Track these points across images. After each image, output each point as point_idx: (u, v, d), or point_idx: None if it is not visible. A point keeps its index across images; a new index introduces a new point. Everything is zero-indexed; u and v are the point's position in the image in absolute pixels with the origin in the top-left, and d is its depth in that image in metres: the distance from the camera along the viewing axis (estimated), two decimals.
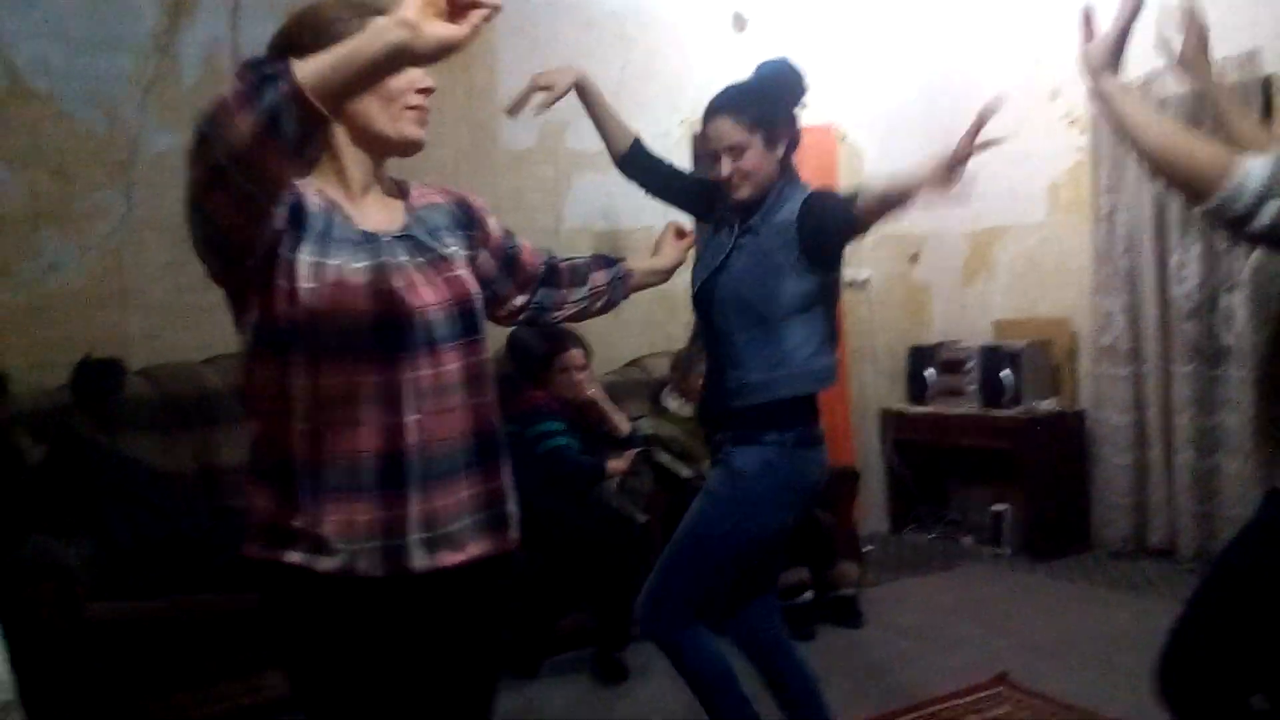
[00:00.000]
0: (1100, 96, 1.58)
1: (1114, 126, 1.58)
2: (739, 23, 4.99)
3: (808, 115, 5.28)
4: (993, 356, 4.87)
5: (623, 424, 3.78)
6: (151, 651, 2.71)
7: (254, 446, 1.37)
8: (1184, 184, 1.47)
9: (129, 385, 3.25)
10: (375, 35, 1.06)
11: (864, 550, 4.59)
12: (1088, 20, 1.62)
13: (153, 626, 2.74)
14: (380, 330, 1.31)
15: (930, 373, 5.16)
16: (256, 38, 3.62)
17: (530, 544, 3.25)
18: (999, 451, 4.87)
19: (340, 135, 1.40)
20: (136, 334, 3.50)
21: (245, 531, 1.35)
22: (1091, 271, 4.74)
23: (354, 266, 1.32)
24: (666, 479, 3.80)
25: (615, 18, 4.52)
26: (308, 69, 1.07)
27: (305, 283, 1.28)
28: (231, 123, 1.07)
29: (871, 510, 5.32)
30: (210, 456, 3.27)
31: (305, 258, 1.29)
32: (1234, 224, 1.41)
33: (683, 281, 4.71)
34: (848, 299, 5.25)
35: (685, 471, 3.84)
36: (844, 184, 5.21)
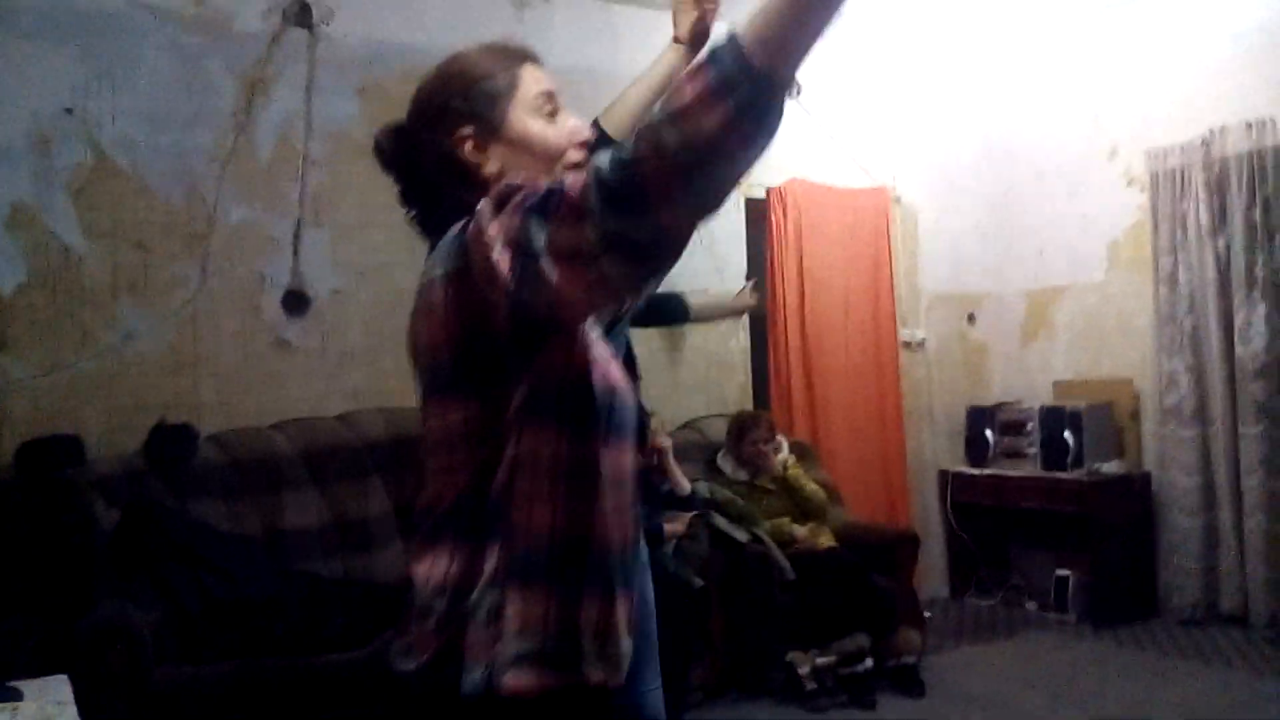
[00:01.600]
0: None
1: None
2: (795, 88, 5.06)
3: (863, 177, 5.35)
4: (1054, 417, 4.80)
5: (684, 483, 3.79)
6: (218, 715, 2.75)
7: (522, 538, 1.09)
8: None
9: (201, 450, 3.34)
10: None
11: (924, 616, 4.52)
12: None
13: (220, 690, 2.78)
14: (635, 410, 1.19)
15: (990, 434, 5.09)
16: (330, 113, 3.81)
17: None
18: (1062, 514, 4.77)
19: None
20: (209, 400, 3.60)
21: (472, 654, 1.07)
22: (1154, 331, 4.67)
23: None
24: (723, 543, 3.79)
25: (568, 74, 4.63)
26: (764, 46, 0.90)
27: (597, 351, 1.14)
28: (700, 122, 0.89)
29: (932, 575, 5.23)
30: (276, 520, 3.33)
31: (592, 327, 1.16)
32: None
33: (738, 343, 4.81)
34: (904, 360, 5.25)
35: (741, 535, 3.83)
36: (899, 244, 5.24)
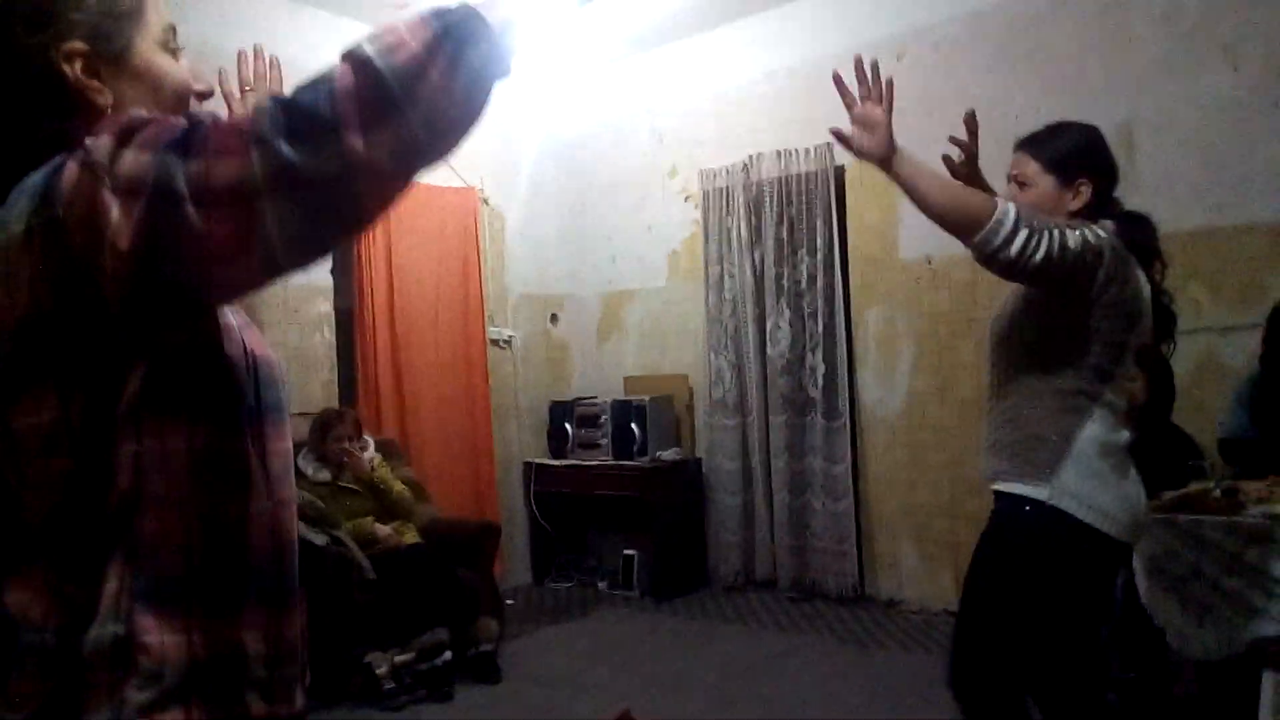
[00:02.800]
0: (894, 178, 1.92)
1: (905, 193, 1.92)
2: None
3: (452, 177, 5.40)
4: (623, 410, 5.23)
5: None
6: None
7: (154, 554, 0.91)
8: (961, 227, 1.84)
9: None
10: None
11: (507, 604, 4.69)
12: (842, 83, 1.96)
13: None
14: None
15: (569, 426, 5.42)
16: None
17: None
18: (629, 499, 5.21)
19: None
20: None
21: None
22: (705, 332, 5.27)
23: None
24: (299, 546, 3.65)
25: None
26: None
27: (228, 318, 0.97)
28: (408, 43, 0.79)
29: (516, 563, 5.45)
30: None
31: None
32: (993, 254, 1.80)
33: (323, 339, 4.66)
34: (493, 356, 5.41)
35: (319, 539, 3.72)
36: (487, 245, 5.39)
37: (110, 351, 0.86)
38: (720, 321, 5.17)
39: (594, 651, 4.23)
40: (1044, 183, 2.01)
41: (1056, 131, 2.07)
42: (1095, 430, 1.89)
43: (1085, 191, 1.99)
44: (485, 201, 5.43)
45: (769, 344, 4.98)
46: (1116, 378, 1.92)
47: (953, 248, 4.65)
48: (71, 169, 0.83)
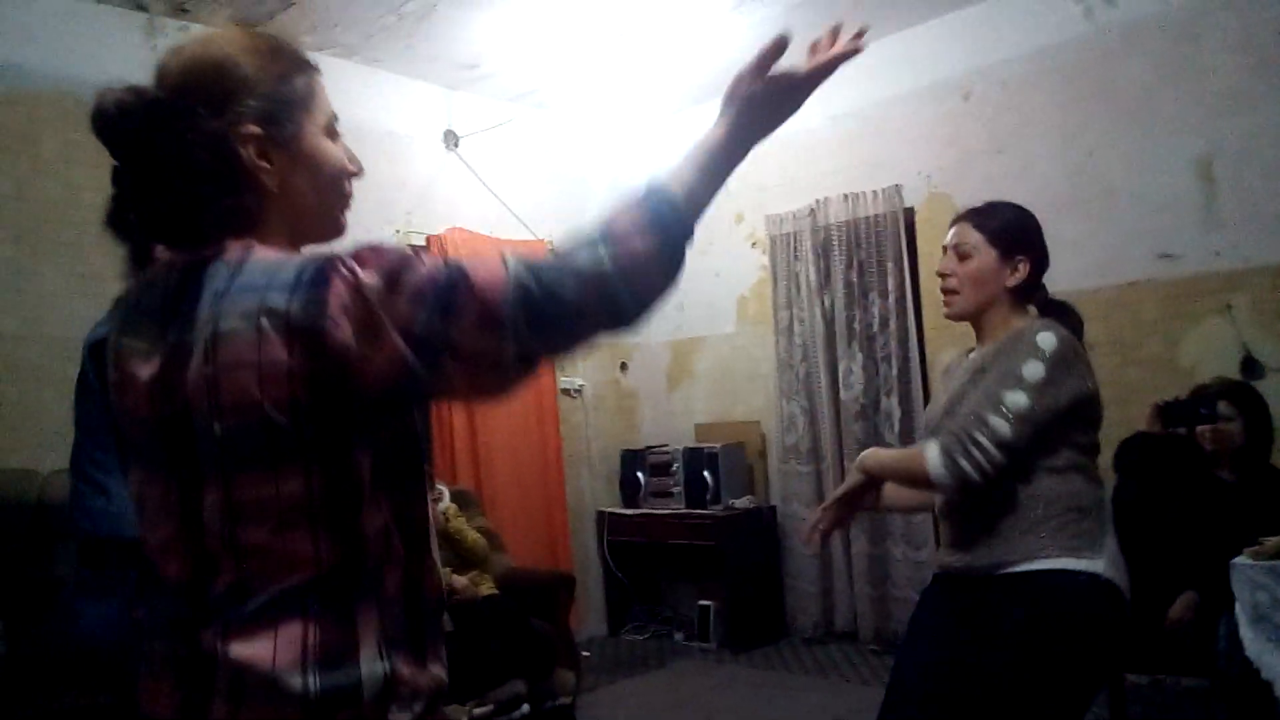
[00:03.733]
0: (862, 470, 2.06)
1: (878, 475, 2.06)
2: (450, 139, 5.14)
3: (521, 230, 5.48)
4: (695, 458, 5.20)
5: None
6: None
7: (396, 605, 1.06)
8: (916, 484, 1.98)
9: None
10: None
11: (583, 655, 4.66)
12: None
13: None
14: None
15: (640, 475, 5.40)
16: None
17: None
18: (702, 548, 5.16)
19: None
20: None
21: None
22: (775, 377, 5.22)
23: None
24: None
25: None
26: (686, 193, 1.06)
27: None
28: (634, 247, 0.98)
29: (590, 614, 5.43)
30: None
31: None
32: (963, 490, 1.84)
33: None
34: (563, 406, 5.45)
35: None
36: None
37: (347, 435, 0.99)
38: (791, 367, 5.13)
39: (671, 704, 4.17)
40: (986, 255, 2.01)
41: (998, 208, 2.08)
42: (1097, 493, 1.89)
43: (1023, 269, 2.00)
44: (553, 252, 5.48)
45: (842, 388, 4.92)
46: (1095, 448, 1.94)
47: None
48: (341, 290, 0.95)
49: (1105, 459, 4.11)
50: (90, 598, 1.66)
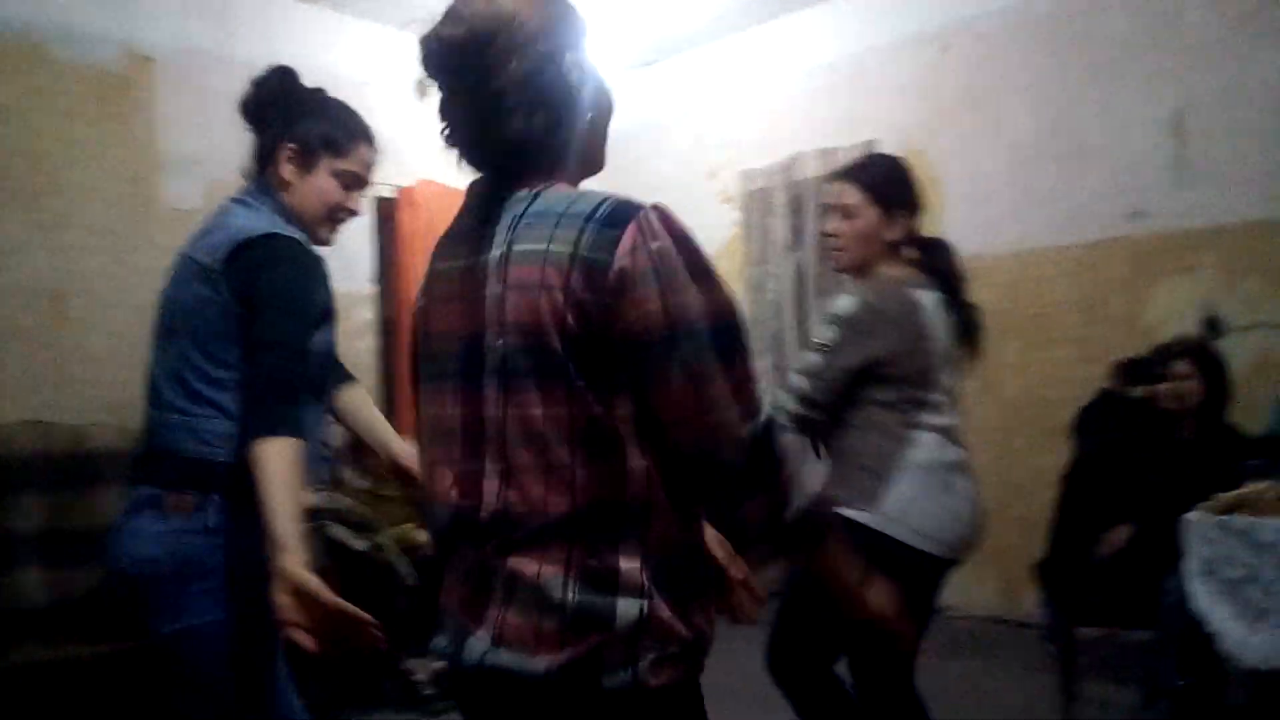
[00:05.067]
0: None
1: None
2: (421, 88, 5.05)
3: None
4: None
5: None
6: None
7: (662, 547, 1.09)
8: None
9: None
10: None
11: None
12: None
13: None
14: None
15: None
16: None
17: None
18: None
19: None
20: None
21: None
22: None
23: None
24: (339, 553, 3.70)
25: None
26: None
27: None
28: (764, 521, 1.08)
29: None
30: None
31: None
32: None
33: (366, 346, 4.71)
34: None
35: (359, 544, 3.75)
36: None
37: (612, 375, 1.03)
38: (761, 323, 5.11)
39: None
40: (868, 214, 2.08)
41: (876, 163, 2.17)
42: (917, 455, 1.98)
43: (903, 223, 2.09)
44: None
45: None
46: (932, 403, 2.01)
47: (999, 245, 4.59)
48: (637, 237, 1.02)
49: (1036, 416, 4.15)
50: (155, 517, 1.63)
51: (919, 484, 1.96)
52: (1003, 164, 4.36)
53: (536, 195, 1.08)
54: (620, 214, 1.03)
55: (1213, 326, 3.68)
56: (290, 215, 1.76)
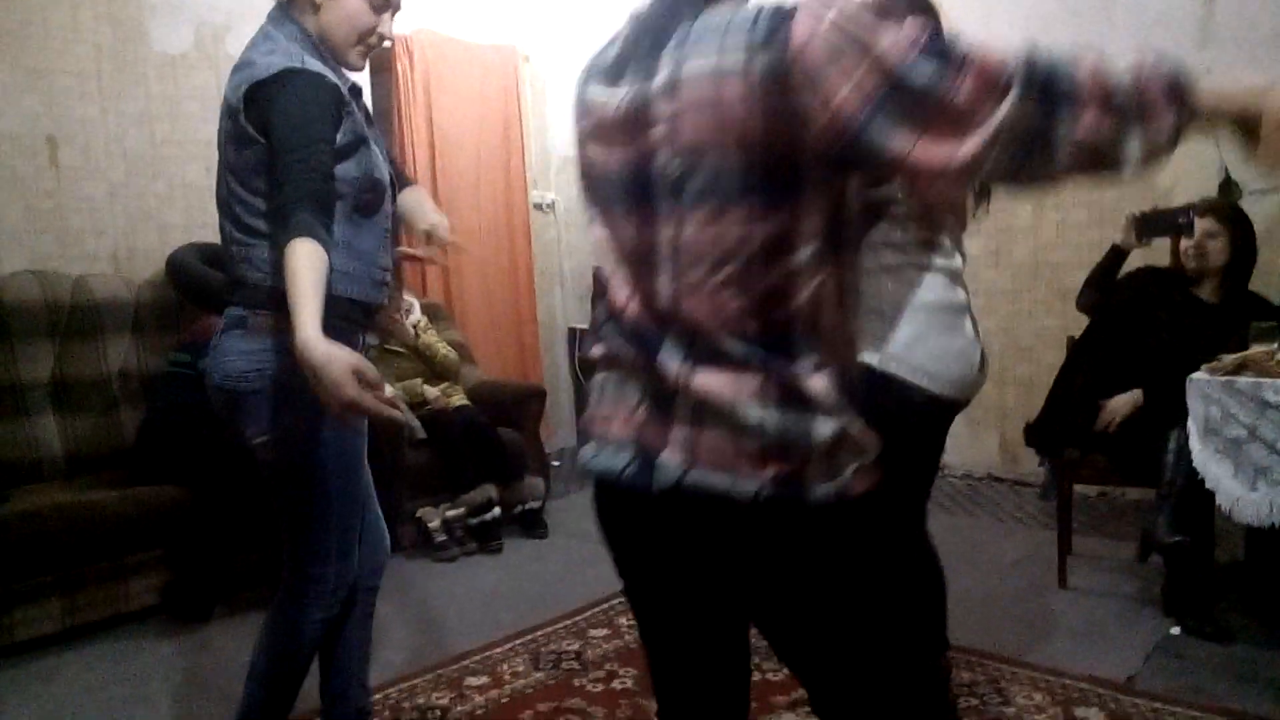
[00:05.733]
0: None
1: None
2: None
3: (491, 34, 5.24)
4: None
5: None
6: None
7: (844, 360, 1.08)
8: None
9: None
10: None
11: (553, 465, 4.78)
12: None
13: None
14: None
15: None
16: None
17: (208, 476, 3.11)
18: None
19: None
20: None
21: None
22: None
23: None
24: None
25: None
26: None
27: None
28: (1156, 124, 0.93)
29: (560, 426, 5.53)
30: None
31: None
32: None
33: None
34: (535, 221, 5.35)
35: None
36: (528, 105, 5.26)
37: (799, 185, 0.98)
38: None
39: None
40: None
41: None
42: (925, 296, 1.93)
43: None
44: (526, 60, 5.26)
45: None
46: (940, 245, 1.96)
47: None
48: (805, 23, 0.92)
49: (1047, 279, 4.13)
50: (240, 336, 1.75)
51: (925, 324, 1.93)
52: (1027, 17, 4.21)
53: (697, 15, 1.02)
54: (782, 10, 0.96)
55: (1228, 189, 3.62)
56: (317, 40, 1.75)
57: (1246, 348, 2.68)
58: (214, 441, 3.16)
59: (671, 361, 1.05)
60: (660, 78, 1.03)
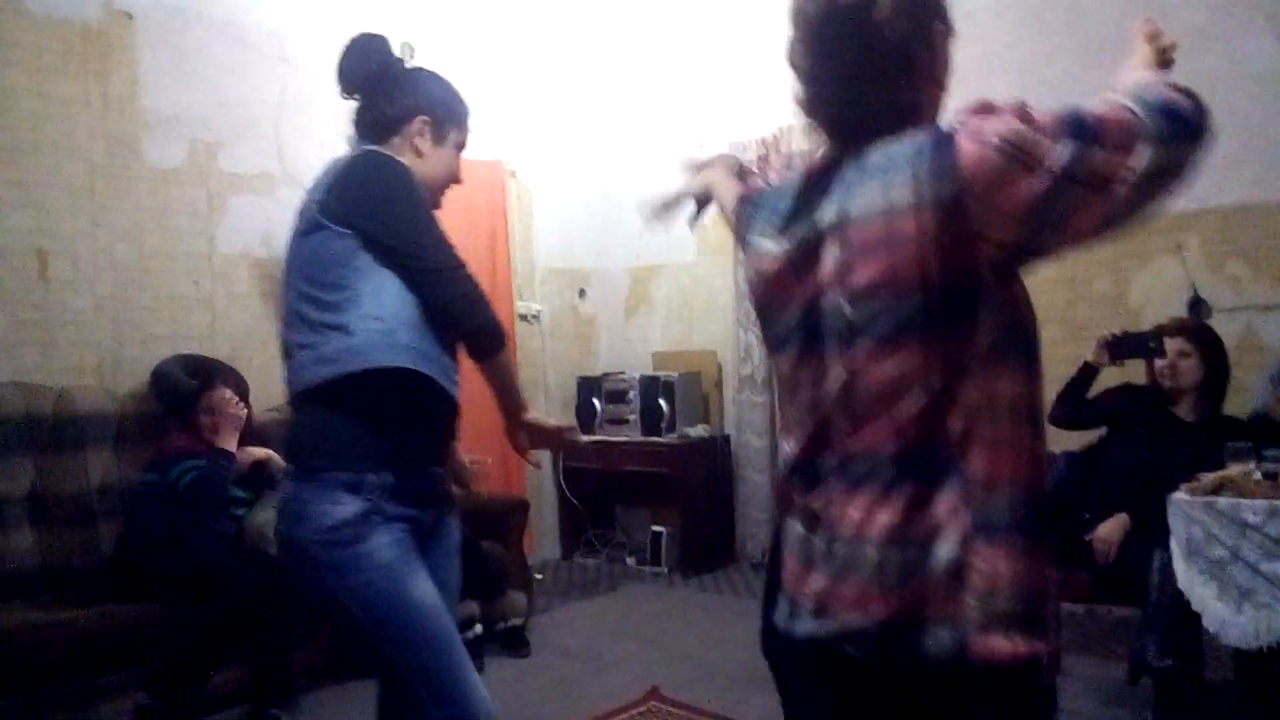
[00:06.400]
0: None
1: None
2: (407, 51, 4.98)
3: (479, 150, 5.37)
4: (651, 386, 5.21)
5: (279, 464, 3.58)
6: None
7: (986, 487, 1.03)
8: None
9: None
10: None
11: (536, 578, 4.71)
12: None
13: None
14: None
15: (597, 402, 5.41)
16: None
17: (182, 594, 3.04)
18: (658, 475, 5.20)
19: None
20: None
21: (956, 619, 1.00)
22: (734, 308, 5.22)
23: None
24: None
25: (274, 38, 4.34)
26: None
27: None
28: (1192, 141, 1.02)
29: (544, 538, 5.47)
30: None
31: None
32: None
33: None
34: (521, 331, 5.41)
35: None
36: (514, 219, 5.37)
37: (974, 307, 1.01)
38: (748, 296, 5.12)
39: (622, 627, 4.24)
40: None
41: None
42: None
43: None
44: (513, 175, 5.40)
45: None
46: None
47: None
48: (970, 148, 0.98)
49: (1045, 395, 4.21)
50: (290, 484, 1.70)
51: None
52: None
53: (866, 156, 1.07)
54: (942, 137, 1.01)
55: (1197, 308, 3.73)
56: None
57: (1224, 466, 2.72)
58: (189, 560, 3.12)
59: (815, 496, 1.10)
60: (827, 220, 1.07)
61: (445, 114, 1.88)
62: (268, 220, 4.19)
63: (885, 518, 1.02)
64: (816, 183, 1.11)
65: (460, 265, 1.72)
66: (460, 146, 1.91)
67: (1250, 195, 3.78)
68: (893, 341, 1.02)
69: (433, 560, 1.78)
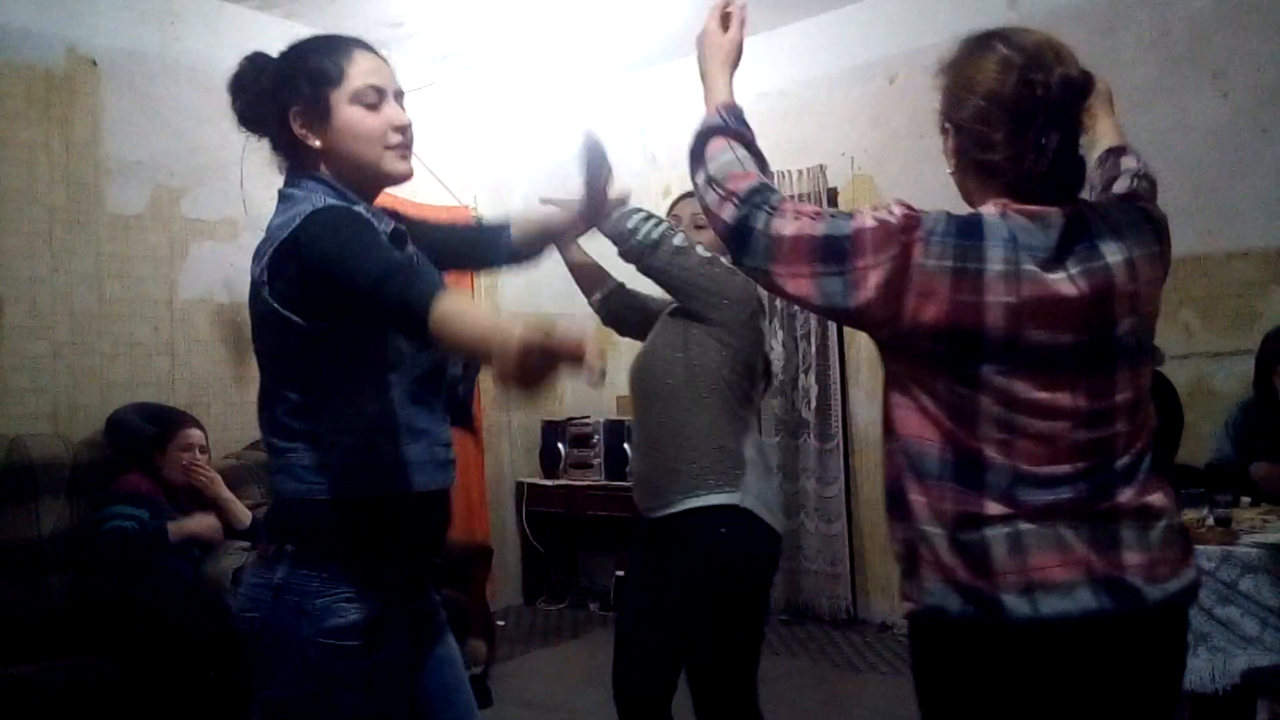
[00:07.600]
0: None
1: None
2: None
3: (446, 195, 5.40)
4: (615, 430, 5.22)
5: (241, 514, 3.52)
6: None
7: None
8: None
9: None
10: None
11: (498, 625, 4.66)
12: None
13: None
14: None
15: (561, 446, 5.40)
16: None
17: (115, 646, 2.97)
18: (623, 520, 5.17)
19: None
20: None
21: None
22: None
23: None
24: None
25: None
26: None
27: None
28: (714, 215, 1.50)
29: (506, 584, 5.43)
30: None
31: None
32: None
33: None
34: (484, 375, 5.39)
35: None
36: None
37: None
38: None
39: (586, 675, 4.20)
40: None
41: None
42: (756, 438, 2.22)
43: None
44: (478, 220, 5.41)
45: None
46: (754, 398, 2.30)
47: None
48: (1162, 215, 1.43)
49: None
50: (252, 569, 1.51)
51: (758, 467, 2.21)
52: (950, 192, 4.47)
53: (1099, 212, 1.35)
54: (1146, 211, 1.42)
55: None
56: (340, 179, 1.48)
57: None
58: (146, 608, 3.06)
59: (1115, 495, 1.27)
60: (1117, 261, 1.28)
61: (307, 83, 1.46)
62: (230, 266, 4.17)
63: (1161, 499, 1.29)
64: (1078, 228, 1.29)
65: (385, 278, 1.34)
66: (357, 95, 1.45)
67: (1200, 245, 3.89)
68: (1138, 366, 1.30)
69: (434, 660, 1.58)
